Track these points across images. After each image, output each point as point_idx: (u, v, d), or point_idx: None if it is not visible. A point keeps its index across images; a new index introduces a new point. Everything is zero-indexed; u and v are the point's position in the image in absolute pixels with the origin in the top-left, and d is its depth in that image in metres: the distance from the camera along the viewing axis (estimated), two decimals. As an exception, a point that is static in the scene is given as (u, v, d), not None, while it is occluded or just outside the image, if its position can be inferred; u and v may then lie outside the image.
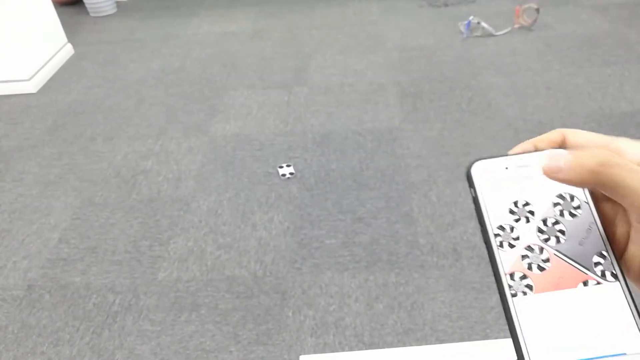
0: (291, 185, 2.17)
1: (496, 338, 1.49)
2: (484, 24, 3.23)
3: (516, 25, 3.29)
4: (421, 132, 2.43)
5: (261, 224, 1.99)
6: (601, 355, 0.29)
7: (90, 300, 1.74)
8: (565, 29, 3.28)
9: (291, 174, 2.21)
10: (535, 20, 3.26)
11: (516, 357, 0.30)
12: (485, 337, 1.51)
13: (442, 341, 1.51)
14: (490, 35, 3.24)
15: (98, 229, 2.02)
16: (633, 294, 0.30)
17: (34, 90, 3.04)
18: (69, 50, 3.45)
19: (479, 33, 3.26)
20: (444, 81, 2.82)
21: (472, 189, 0.34)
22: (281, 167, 2.24)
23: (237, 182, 2.21)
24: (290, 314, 1.65)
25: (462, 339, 1.51)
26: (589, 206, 0.33)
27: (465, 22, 3.26)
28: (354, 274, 1.76)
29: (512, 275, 0.32)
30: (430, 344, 1.50)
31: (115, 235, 1.99)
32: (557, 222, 0.33)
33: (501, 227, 0.33)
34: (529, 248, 0.32)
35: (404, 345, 1.51)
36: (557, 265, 0.32)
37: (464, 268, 1.74)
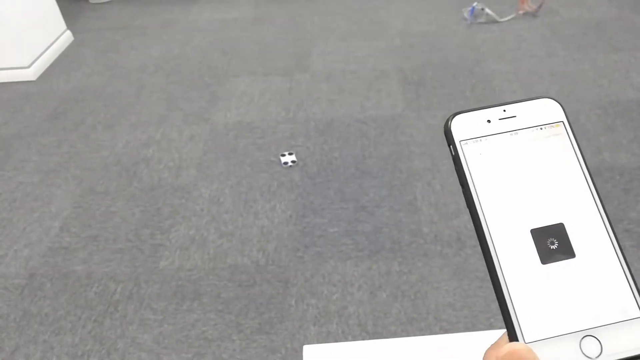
0: (293, 173, 2.15)
1: (501, 328, 1.48)
2: (488, 10, 3.19)
3: (521, 12, 3.24)
4: (424, 119, 2.41)
5: (263, 212, 1.98)
6: (595, 325, 0.27)
7: (92, 289, 1.73)
8: (571, 14, 3.23)
9: (293, 162, 2.19)
10: (540, 6, 3.22)
11: (506, 330, 0.28)
12: (490, 326, 1.50)
13: (446, 330, 1.50)
14: (495, 21, 3.20)
15: (99, 218, 2.01)
16: (627, 259, 0.29)
17: (33, 78, 3.01)
18: (68, 37, 3.42)
19: (483, 19, 3.22)
20: (448, 68, 2.79)
21: (451, 147, 0.31)
22: (283, 155, 2.22)
23: (239, 170, 2.19)
24: (293, 302, 1.64)
25: (466, 328, 1.50)
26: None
27: (469, 8, 3.22)
28: (357, 262, 1.75)
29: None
30: (434, 333, 1.49)
31: (117, 223, 1.98)
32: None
33: (485, 187, 0.30)
34: None
35: (408, 334, 1.50)
36: None
37: (468, 257, 1.73)
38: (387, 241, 1.81)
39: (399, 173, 2.10)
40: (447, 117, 0.32)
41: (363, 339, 1.48)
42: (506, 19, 3.21)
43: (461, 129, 0.31)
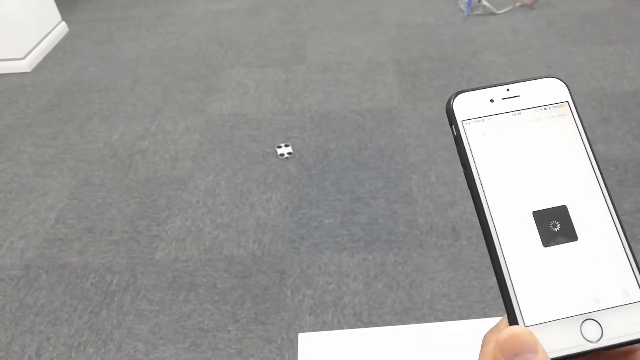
0: (289, 165, 2.15)
1: (495, 316, 1.49)
2: (485, 2, 3.18)
3: (518, 4, 3.24)
4: (420, 111, 2.41)
5: (259, 203, 1.98)
6: (596, 309, 0.27)
7: (88, 280, 1.73)
8: (568, 6, 3.23)
9: (289, 153, 2.19)
10: (536, -2, 3.22)
11: (506, 315, 0.28)
12: (485, 316, 1.51)
13: (440, 320, 1.51)
14: (491, 13, 3.19)
15: (95, 209, 2.01)
16: (630, 242, 0.28)
17: (28, 69, 2.99)
18: (63, 28, 3.39)
19: (479, 11, 3.21)
20: (444, 60, 2.78)
21: (453, 126, 0.30)
22: (279, 146, 2.22)
23: (234, 162, 2.19)
24: (288, 293, 1.64)
25: (461, 318, 1.51)
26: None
27: (466, 0, 3.22)
28: (353, 253, 1.76)
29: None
30: (429, 322, 1.50)
31: (113, 215, 1.98)
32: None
33: (487, 168, 0.29)
34: None
35: (403, 324, 1.51)
36: None
37: (463, 248, 1.74)
38: (382, 232, 1.82)
39: (394, 164, 2.11)
40: (450, 96, 0.31)
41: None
42: (503, 11, 3.21)
43: (463, 109, 0.30)
